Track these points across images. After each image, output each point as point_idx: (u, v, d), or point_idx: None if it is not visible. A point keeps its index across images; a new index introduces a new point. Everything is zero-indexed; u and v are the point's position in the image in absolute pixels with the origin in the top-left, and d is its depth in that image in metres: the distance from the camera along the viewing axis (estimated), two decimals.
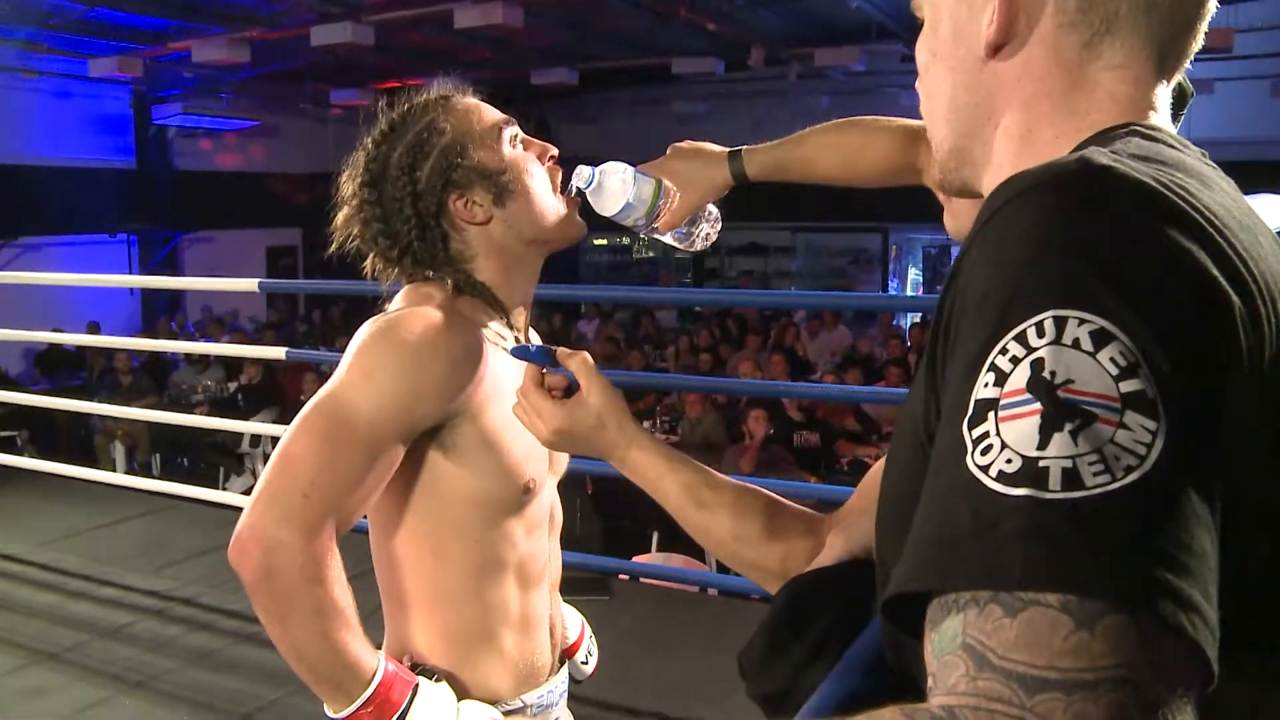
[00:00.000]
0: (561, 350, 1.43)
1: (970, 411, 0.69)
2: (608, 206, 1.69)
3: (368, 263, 1.74)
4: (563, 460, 1.84)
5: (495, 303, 1.71)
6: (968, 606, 0.65)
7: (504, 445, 1.63)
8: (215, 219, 16.66)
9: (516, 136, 1.73)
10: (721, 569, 8.06)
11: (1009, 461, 0.66)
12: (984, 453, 0.67)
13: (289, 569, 1.41)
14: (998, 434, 0.67)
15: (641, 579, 5.10)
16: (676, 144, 1.81)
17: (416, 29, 12.70)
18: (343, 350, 1.61)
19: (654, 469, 1.36)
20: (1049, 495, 0.64)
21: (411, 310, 1.60)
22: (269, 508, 1.44)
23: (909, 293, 18.48)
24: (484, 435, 1.62)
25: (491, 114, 1.74)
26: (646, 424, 8.94)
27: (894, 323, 14.49)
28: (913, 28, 1.01)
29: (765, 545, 1.33)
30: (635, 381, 8.00)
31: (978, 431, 0.68)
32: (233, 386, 11.43)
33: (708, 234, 1.81)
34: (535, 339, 1.83)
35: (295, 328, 15.60)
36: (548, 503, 1.80)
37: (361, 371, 1.53)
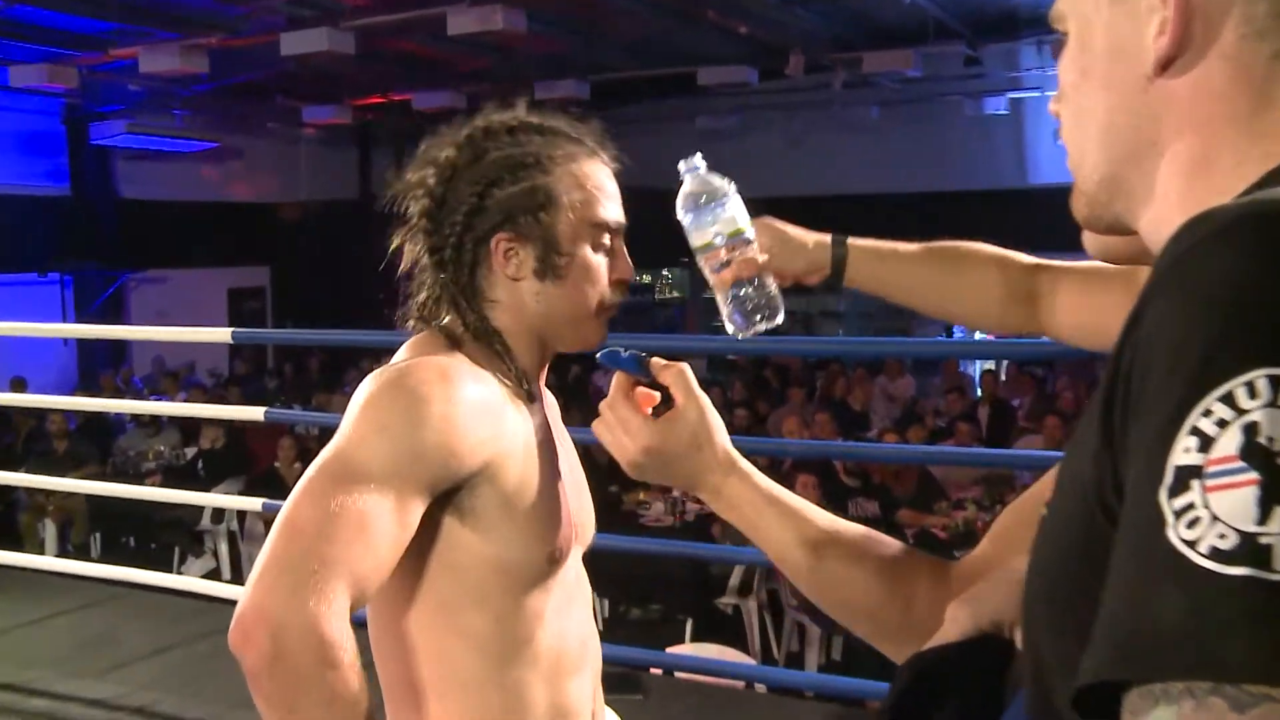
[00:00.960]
0: (656, 359, 1.47)
1: (1169, 479, 0.70)
2: (696, 201, 1.73)
3: (415, 287, 1.82)
4: (589, 527, 1.90)
5: (508, 353, 1.78)
6: (1181, 698, 0.67)
7: (528, 508, 1.69)
8: (167, 256, 16.75)
9: (608, 243, 1.80)
10: (767, 659, 8.03)
11: (1222, 537, 0.67)
12: (1190, 526, 0.69)
13: (300, 652, 1.42)
14: (1206, 505, 0.68)
15: (677, 673, 5.05)
16: (761, 219, 1.86)
17: (403, 36, 12.81)
18: (321, 409, 1.60)
19: (754, 503, 1.39)
20: (1274, 576, 0.65)
21: (422, 359, 1.67)
22: (276, 583, 1.45)
23: (978, 336, 18.41)
24: (505, 497, 1.67)
25: (605, 200, 1.79)
26: (677, 492, 8.91)
27: (960, 369, 14.45)
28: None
29: (885, 594, 1.35)
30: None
31: (1180, 502, 0.69)
32: (191, 452, 11.43)
33: (762, 327, 1.84)
34: (551, 403, 1.91)
35: (264, 383, 15.65)
36: (575, 576, 1.85)
37: (372, 426, 1.58)
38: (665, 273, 20.54)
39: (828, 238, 1.89)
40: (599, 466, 9.41)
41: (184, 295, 16.91)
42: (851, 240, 1.89)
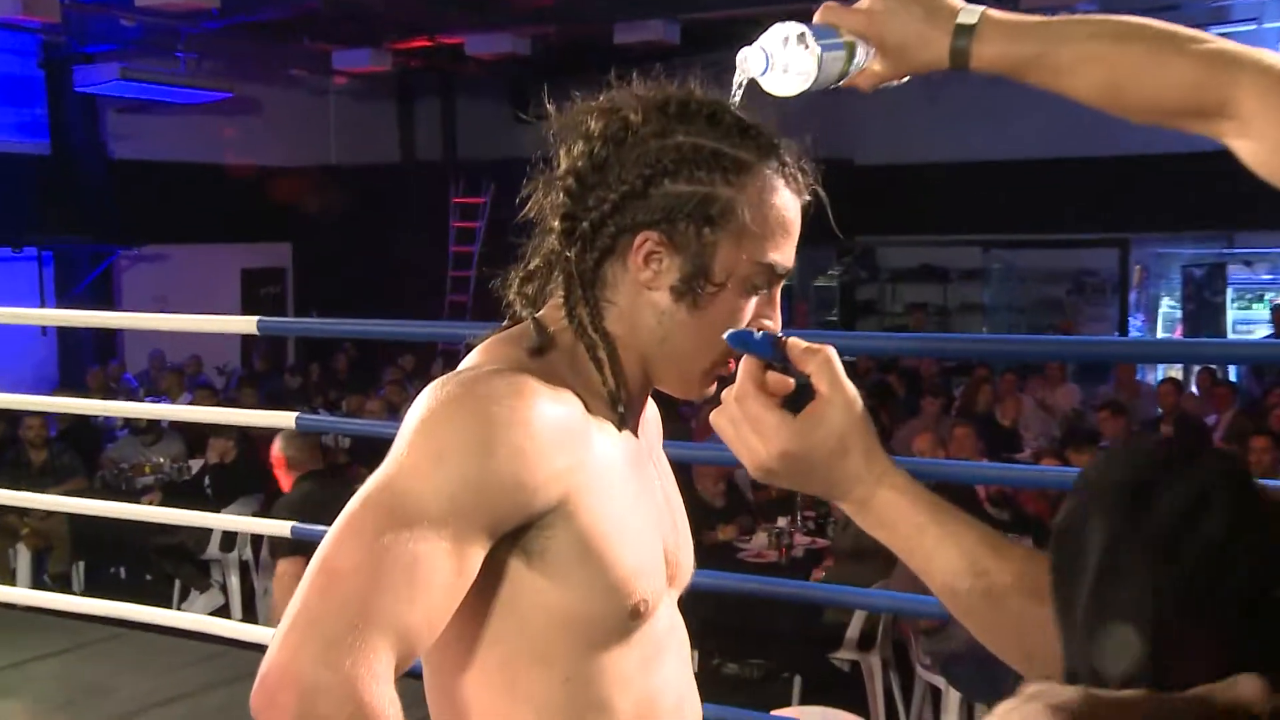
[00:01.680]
0: (795, 341, 1.49)
1: None
2: (781, 88, 1.73)
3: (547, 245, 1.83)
4: (686, 568, 1.91)
5: (613, 362, 1.79)
6: None
7: (609, 552, 1.70)
8: (168, 229, 16.96)
9: (766, 289, 1.80)
10: None
11: None
12: None
13: None
14: None
15: None
16: None
17: None
18: (353, 415, 1.61)
19: (911, 518, 1.38)
20: None
21: (493, 370, 1.69)
22: (307, 640, 1.46)
23: (1160, 332, 18.14)
24: (583, 538, 1.68)
25: (784, 241, 1.79)
26: (783, 521, 8.88)
27: (1138, 377, 14.25)
28: None
29: None
30: None
31: None
32: (196, 466, 11.55)
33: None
34: (652, 419, 1.99)
35: (285, 382, 15.78)
36: (667, 625, 1.87)
37: (428, 451, 1.58)
38: None
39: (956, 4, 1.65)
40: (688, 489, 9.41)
41: (187, 277, 17.09)
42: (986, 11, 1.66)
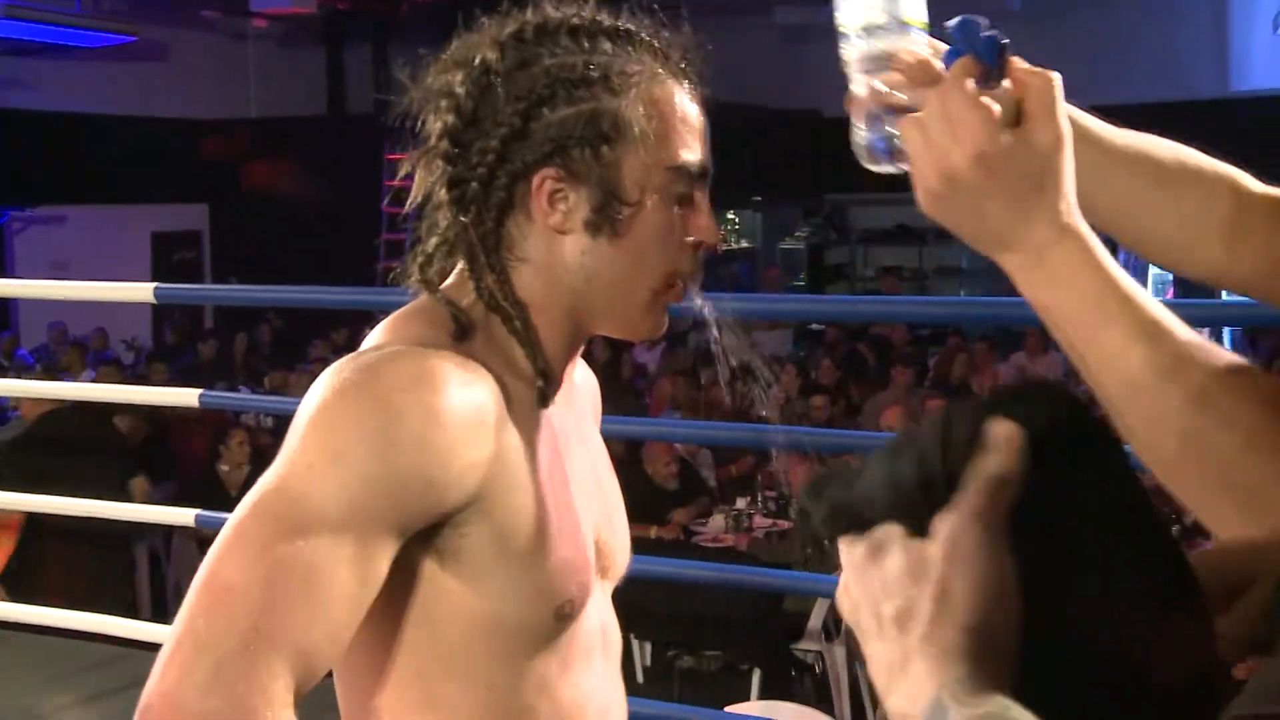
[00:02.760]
0: (1018, 61, 1.32)
1: None
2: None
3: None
4: (619, 558, 1.92)
5: (530, 335, 1.76)
6: None
7: (531, 550, 1.68)
8: (65, 188, 16.81)
9: (690, 196, 1.78)
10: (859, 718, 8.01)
11: None
12: None
13: None
14: None
15: None
16: None
17: None
18: (277, 392, 1.61)
19: (1098, 280, 1.20)
20: None
21: (397, 350, 1.66)
22: (193, 665, 1.43)
23: (1151, 293, 18.22)
24: (501, 536, 1.66)
25: (690, 137, 1.78)
26: (741, 502, 8.92)
27: None
28: None
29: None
30: (722, 437, 7.95)
31: None
32: None
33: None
34: (584, 390, 2.00)
35: (199, 357, 15.70)
36: (596, 624, 1.84)
37: (325, 450, 1.56)
38: (731, 215, 20.51)
39: None
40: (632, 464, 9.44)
41: (90, 241, 16.90)
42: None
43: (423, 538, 1.62)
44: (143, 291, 5.34)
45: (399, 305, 1.83)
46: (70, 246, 16.60)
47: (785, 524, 8.70)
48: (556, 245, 1.73)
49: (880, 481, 1.07)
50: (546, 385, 1.77)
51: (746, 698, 7.06)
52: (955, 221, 1.29)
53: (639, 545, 2.03)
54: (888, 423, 9.39)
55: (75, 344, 14.98)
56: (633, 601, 7.90)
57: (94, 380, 12.17)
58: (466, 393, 1.62)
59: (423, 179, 1.78)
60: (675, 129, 1.74)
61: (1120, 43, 17.29)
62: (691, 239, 1.77)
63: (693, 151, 1.76)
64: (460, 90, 1.72)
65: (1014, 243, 1.23)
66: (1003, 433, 1.01)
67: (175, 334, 17.06)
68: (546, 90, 1.69)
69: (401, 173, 1.83)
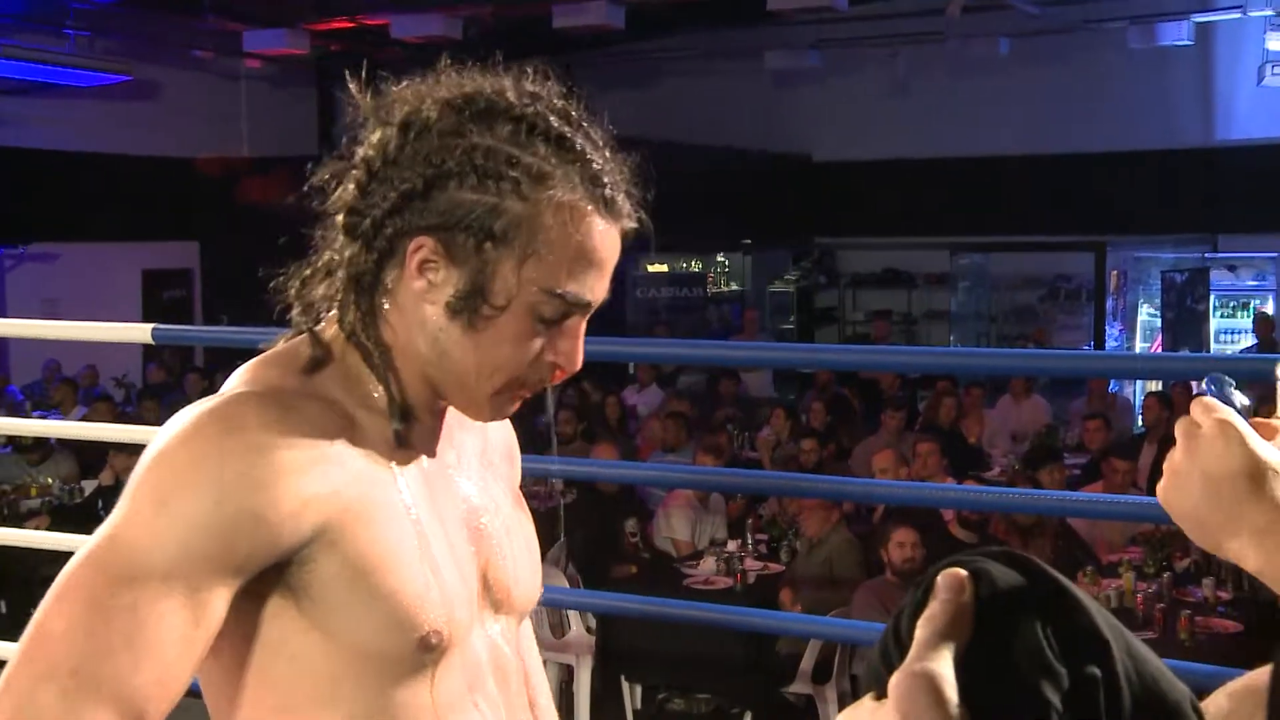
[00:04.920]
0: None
1: None
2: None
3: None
4: (520, 590, 1.90)
5: (388, 369, 1.75)
6: None
7: (384, 581, 1.66)
8: (58, 226, 16.72)
9: (560, 321, 1.73)
10: None
11: None
12: None
13: None
14: None
15: None
16: None
17: None
18: None
19: None
20: None
21: (236, 395, 1.67)
22: (12, 713, 1.45)
23: (1140, 344, 18.27)
24: (351, 568, 1.65)
25: (587, 273, 1.72)
26: (733, 545, 8.93)
27: (1112, 389, 14.34)
28: None
29: None
30: (712, 482, 7.96)
31: None
32: (90, 487, 11.47)
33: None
34: (471, 431, 1.94)
35: (187, 395, 15.66)
36: (484, 658, 1.82)
37: (153, 495, 1.57)
38: (721, 258, 20.57)
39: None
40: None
41: (81, 278, 16.78)
42: None
43: (271, 575, 1.62)
44: (140, 332, 5.32)
45: None
46: (62, 283, 16.54)
47: (776, 566, 8.71)
48: (420, 309, 1.72)
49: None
50: (404, 423, 1.75)
51: None
52: (1186, 507, 1.50)
53: (626, 585, 2.03)
54: (879, 466, 9.41)
55: (66, 381, 14.94)
56: (623, 643, 7.93)
57: (84, 418, 12.18)
58: (305, 430, 1.63)
59: (339, 195, 1.77)
60: (571, 258, 1.69)
61: (1107, 91, 17.38)
62: (551, 359, 1.74)
63: (581, 285, 1.71)
64: (394, 129, 1.72)
65: (1240, 527, 1.41)
66: (948, 580, 1.06)
67: (162, 372, 17.03)
68: (458, 167, 1.66)
69: (322, 174, 1.81)
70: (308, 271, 1.80)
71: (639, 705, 8.40)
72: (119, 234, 17.46)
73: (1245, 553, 1.40)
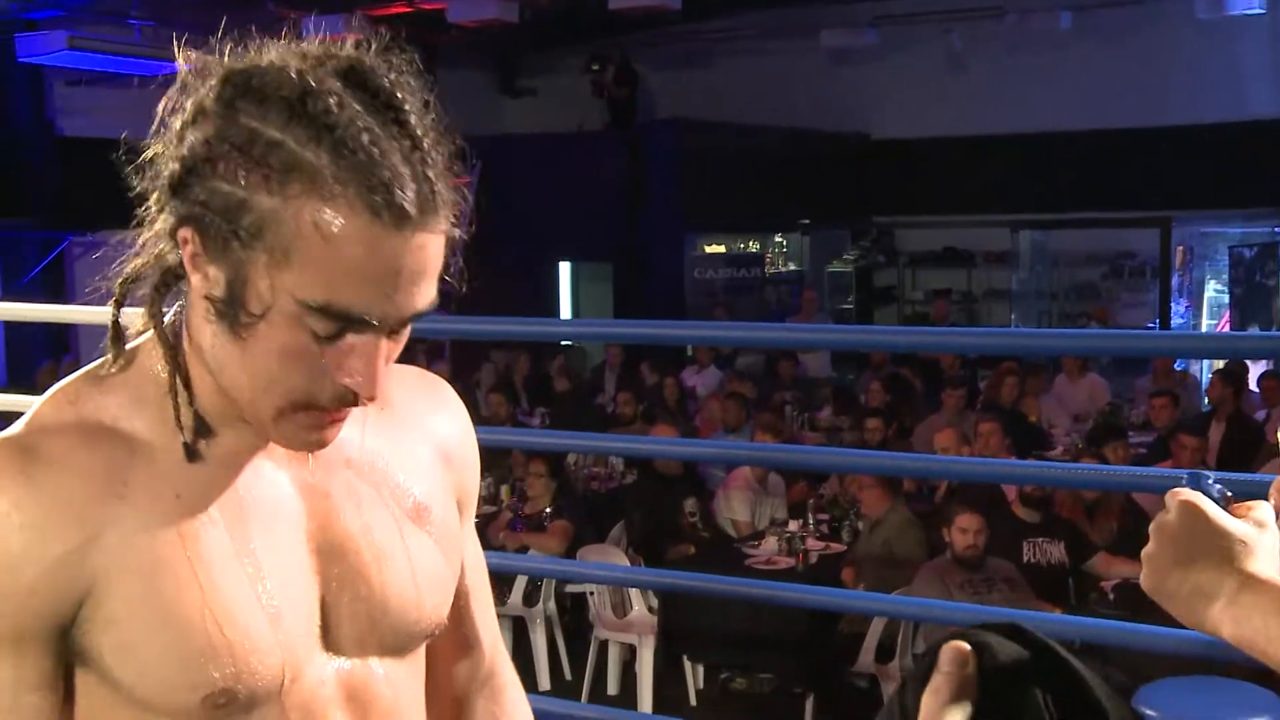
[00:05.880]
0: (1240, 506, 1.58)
1: None
2: None
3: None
4: (396, 618, 1.71)
5: (179, 377, 1.60)
6: None
7: (159, 632, 1.53)
8: (123, 214, 16.68)
9: (337, 338, 1.49)
10: None
11: None
12: None
13: None
14: None
15: None
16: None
17: None
18: None
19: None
20: None
21: (14, 432, 1.57)
22: None
23: (1206, 322, 18.11)
24: (123, 628, 1.53)
25: (343, 286, 1.47)
26: (795, 525, 8.93)
27: (1177, 365, 14.21)
28: None
29: None
30: (774, 460, 7.95)
31: None
32: None
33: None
34: (338, 470, 1.71)
35: None
36: (327, 707, 1.66)
37: None
38: (779, 238, 20.51)
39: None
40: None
41: None
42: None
43: (66, 643, 1.54)
44: None
45: (443, 332, 1.72)
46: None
47: (838, 546, 8.70)
48: (199, 308, 1.55)
49: None
50: (201, 437, 1.60)
51: None
52: (1162, 585, 1.59)
53: (685, 565, 2.00)
54: (940, 445, 9.38)
55: None
56: (685, 623, 7.95)
57: None
58: (53, 481, 1.52)
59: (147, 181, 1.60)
60: (330, 268, 1.44)
61: (1174, 63, 17.19)
62: (337, 380, 1.51)
63: (354, 299, 1.46)
64: (190, 103, 1.56)
65: (1215, 591, 1.50)
66: (951, 653, 1.08)
67: None
68: (217, 153, 1.47)
69: (147, 155, 1.60)
70: (135, 266, 1.66)
71: (701, 685, 8.42)
72: None
73: (1220, 621, 1.47)
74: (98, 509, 1.51)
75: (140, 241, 1.63)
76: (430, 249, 1.49)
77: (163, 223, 1.56)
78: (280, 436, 1.57)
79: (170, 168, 1.52)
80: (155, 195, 1.57)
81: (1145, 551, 1.55)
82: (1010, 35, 17.44)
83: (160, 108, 1.60)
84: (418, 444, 1.79)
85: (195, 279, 1.51)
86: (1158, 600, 1.56)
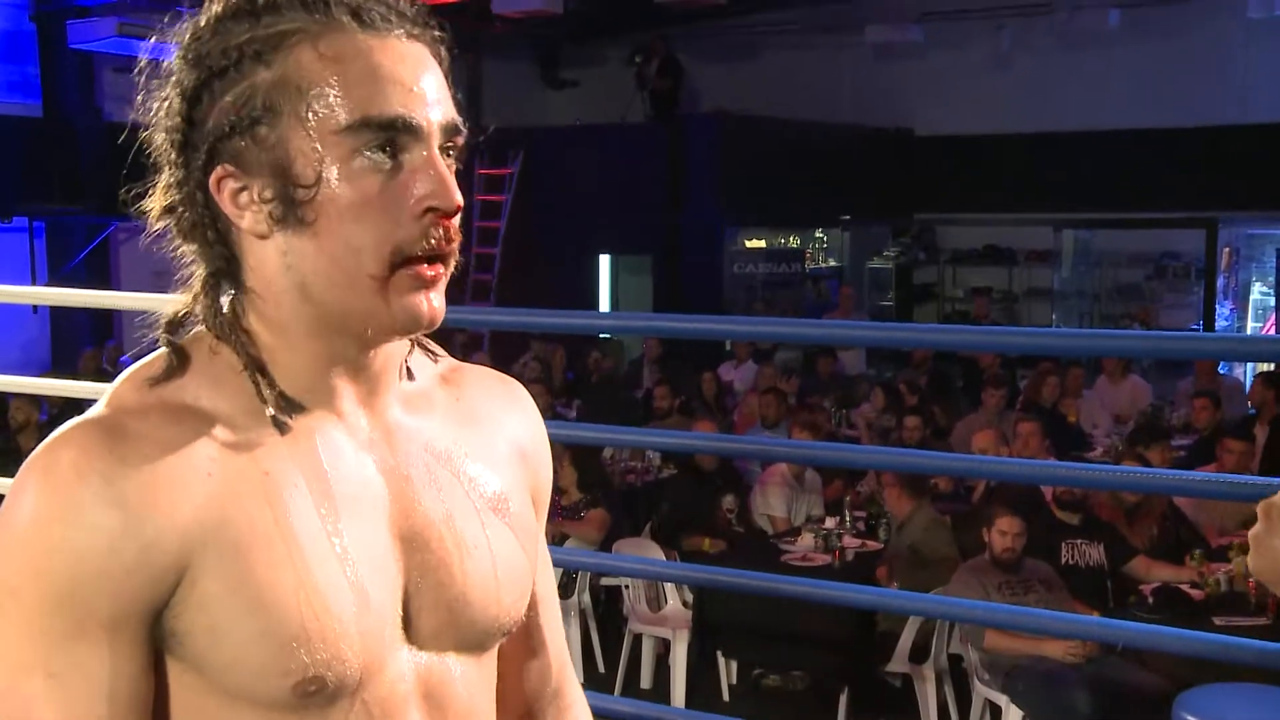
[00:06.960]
0: None
1: None
2: None
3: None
4: (476, 611, 1.65)
5: (253, 363, 1.56)
6: None
7: (254, 614, 1.49)
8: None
9: (397, 155, 1.50)
10: None
11: None
12: None
13: None
14: None
15: None
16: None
17: None
18: None
19: None
20: None
21: (56, 437, 1.49)
22: None
23: (1251, 324, 17.98)
24: (217, 610, 1.48)
25: (378, 85, 1.49)
26: (831, 522, 8.90)
27: (1221, 369, 14.11)
28: None
29: None
30: (810, 456, 7.93)
31: None
32: None
33: None
34: (420, 455, 1.67)
35: None
36: (403, 704, 1.61)
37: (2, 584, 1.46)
38: (819, 234, 20.46)
39: None
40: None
41: None
42: None
43: (153, 624, 1.48)
44: None
45: (487, 323, 1.69)
46: (171, 256, 16.68)
47: (874, 544, 8.67)
48: (263, 253, 1.52)
49: None
50: (287, 413, 1.56)
51: (835, 719, 7.04)
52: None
53: (719, 561, 1.95)
54: (979, 446, 9.34)
55: None
56: (719, 618, 7.94)
57: None
58: (152, 453, 1.47)
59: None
60: (348, 84, 1.47)
61: (1222, 62, 17.09)
62: (415, 204, 1.49)
63: (383, 102, 1.47)
64: (174, 87, 1.57)
65: None
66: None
67: None
68: (202, 82, 1.50)
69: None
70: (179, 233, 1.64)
71: (734, 681, 8.41)
72: None
73: None
74: (189, 487, 1.47)
75: (175, 215, 1.63)
76: (420, 56, 1.53)
77: (193, 184, 1.55)
78: (391, 315, 1.51)
79: (174, 127, 1.54)
80: (169, 169, 1.59)
81: (1253, 532, 1.66)
82: (1058, 32, 17.38)
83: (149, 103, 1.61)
84: (494, 438, 1.75)
85: (245, 221, 1.51)
86: (1262, 580, 1.70)
